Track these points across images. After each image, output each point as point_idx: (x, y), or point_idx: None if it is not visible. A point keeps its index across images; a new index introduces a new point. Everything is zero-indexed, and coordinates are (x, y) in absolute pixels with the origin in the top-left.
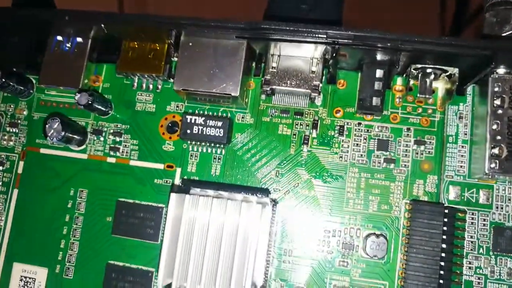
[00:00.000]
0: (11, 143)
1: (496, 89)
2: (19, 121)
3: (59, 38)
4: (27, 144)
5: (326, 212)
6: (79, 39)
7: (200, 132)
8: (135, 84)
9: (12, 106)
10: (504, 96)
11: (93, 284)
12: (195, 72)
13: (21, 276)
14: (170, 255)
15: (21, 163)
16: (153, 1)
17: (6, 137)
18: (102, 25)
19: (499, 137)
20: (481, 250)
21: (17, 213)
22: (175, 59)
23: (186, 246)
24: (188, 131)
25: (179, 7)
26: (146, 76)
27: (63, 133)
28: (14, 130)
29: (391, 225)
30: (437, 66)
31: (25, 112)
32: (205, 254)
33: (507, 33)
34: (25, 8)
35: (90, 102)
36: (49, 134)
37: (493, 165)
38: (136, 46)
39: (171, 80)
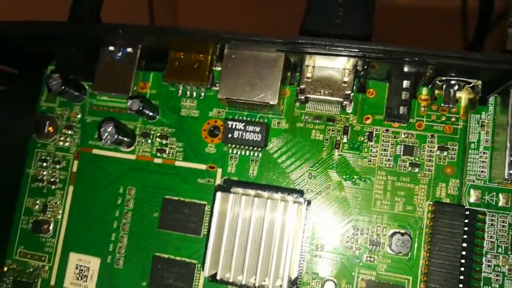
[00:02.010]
0: (67, 144)
1: None
2: (73, 124)
3: (111, 48)
4: (81, 145)
5: (355, 211)
6: (129, 49)
7: (240, 137)
8: (180, 91)
9: (67, 110)
10: None
11: (140, 273)
12: (237, 82)
13: (77, 265)
14: (215, 248)
15: (76, 162)
16: (184, 13)
17: (62, 138)
18: (152, 38)
19: None
20: (499, 250)
21: (73, 208)
22: (218, 68)
23: (230, 240)
24: (229, 136)
25: (209, 20)
26: (190, 84)
27: (116, 136)
28: (69, 132)
29: (415, 225)
30: (461, 79)
31: (79, 116)
32: (247, 248)
33: None
34: (80, 23)
35: (140, 108)
36: (104, 137)
37: None
38: (182, 56)
39: (214, 88)
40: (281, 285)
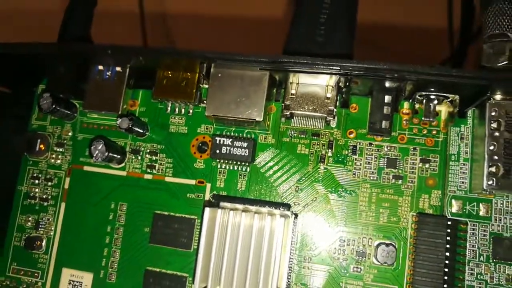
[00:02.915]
0: (59, 161)
1: (493, 113)
2: (65, 141)
3: (100, 67)
4: (72, 162)
5: (341, 223)
6: (118, 69)
7: (228, 152)
8: (169, 108)
9: (58, 128)
10: (500, 120)
11: (133, 287)
12: (224, 99)
13: (70, 280)
14: (205, 262)
15: (67, 179)
16: (177, 35)
17: (54, 156)
18: (140, 58)
19: (496, 157)
20: (481, 258)
21: (65, 224)
22: (205, 86)
23: (219, 254)
24: (217, 151)
25: (201, 40)
26: (178, 101)
27: (106, 153)
28: (60, 149)
29: (399, 235)
30: (440, 94)
31: (70, 133)
32: (236, 261)
33: (502, 63)
34: (70, 43)
35: (130, 126)
36: (94, 155)
37: (490, 182)
38: (170, 75)
39: (202, 104)
40: None
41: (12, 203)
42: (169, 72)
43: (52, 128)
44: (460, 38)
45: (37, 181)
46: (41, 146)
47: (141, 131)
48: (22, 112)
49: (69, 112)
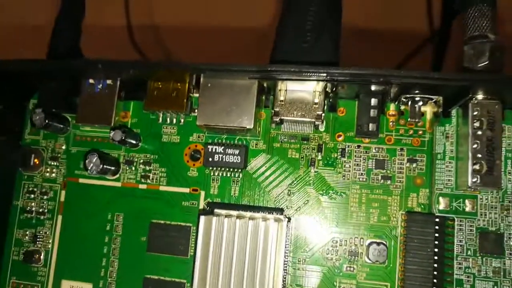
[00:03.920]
0: (53, 174)
1: (475, 113)
2: (59, 155)
3: (91, 81)
4: (67, 175)
5: (333, 224)
6: (108, 81)
7: (220, 160)
8: (160, 119)
9: (52, 141)
10: (482, 119)
11: None
12: (214, 109)
13: None
14: (201, 268)
15: (63, 192)
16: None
17: (48, 170)
18: (131, 71)
19: (479, 155)
20: (469, 252)
21: (63, 236)
22: (195, 95)
23: (216, 260)
24: (210, 159)
25: (190, 50)
26: (170, 111)
27: (101, 166)
28: (55, 163)
29: (389, 234)
30: (424, 95)
31: (63, 147)
32: (232, 266)
33: (482, 64)
34: (59, 60)
35: (123, 138)
36: (89, 168)
37: (475, 180)
38: (160, 86)
39: (193, 114)
40: None
41: (8, 218)
42: (160, 83)
43: (45, 142)
44: (443, 13)
45: (32, 195)
46: (35, 160)
47: (134, 142)
48: (15, 127)
49: (62, 126)
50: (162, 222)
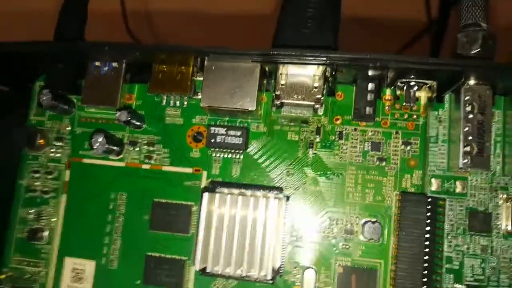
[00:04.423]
0: (58, 155)
1: (467, 97)
2: (63, 136)
3: (97, 64)
4: (71, 155)
5: (330, 204)
6: (114, 64)
7: (222, 141)
8: (164, 101)
9: (57, 122)
10: (474, 103)
11: (134, 272)
12: (218, 91)
13: (73, 268)
14: (204, 244)
15: (67, 172)
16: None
17: (53, 150)
18: (137, 54)
19: (470, 138)
20: (458, 231)
21: (66, 215)
22: (199, 78)
23: (218, 236)
24: (213, 140)
25: (188, 36)
26: (174, 94)
27: (106, 146)
28: (60, 143)
29: (384, 213)
30: (419, 80)
31: (68, 128)
32: (233, 242)
33: (475, 51)
34: (67, 42)
35: (128, 119)
36: (95, 147)
37: (466, 161)
38: (165, 69)
39: (196, 97)
40: (265, 275)
41: (13, 197)
42: (164, 67)
43: (50, 123)
44: (441, 3)
45: (37, 175)
46: (41, 141)
47: (138, 123)
48: (20, 108)
49: (67, 108)
50: (164, 201)
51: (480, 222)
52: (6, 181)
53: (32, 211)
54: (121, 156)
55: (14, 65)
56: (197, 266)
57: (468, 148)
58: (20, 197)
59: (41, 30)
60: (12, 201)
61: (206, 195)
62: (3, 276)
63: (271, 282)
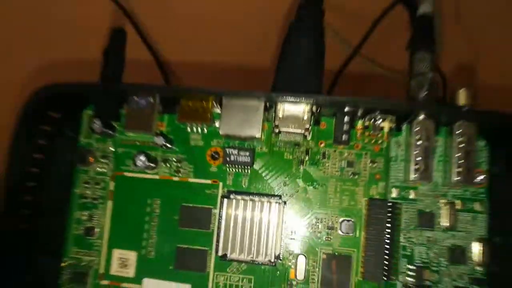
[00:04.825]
0: (104, 169)
1: (417, 129)
2: (108, 154)
3: (136, 98)
4: (114, 170)
5: (315, 207)
6: (150, 99)
7: (235, 159)
8: (189, 128)
9: (102, 144)
10: (421, 133)
11: (167, 260)
12: (232, 122)
13: (119, 258)
14: (225, 236)
15: (112, 183)
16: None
17: (100, 165)
18: (167, 93)
19: (418, 158)
20: (411, 227)
21: (113, 216)
22: (216, 110)
23: (234, 231)
24: (228, 159)
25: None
26: (197, 123)
27: (147, 163)
28: (105, 160)
29: (357, 214)
30: (383, 115)
31: (111, 148)
32: (245, 236)
33: (424, 94)
34: (110, 83)
35: (163, 143)
36: (138, 164)
37: (415, 175)
38: (190, 104)
39: (214, 125)
40: (269, 260)
41: (69, 202)
42: (189, 102)
43: (97, 144)
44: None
45: (88, 185)
46: (90, 158)
47: (169, 145)
48: (69, 132)
49: (111, 132)
50: (190, 205)
51: (427, 220)
52: (63, 190)
53: (86, 213)
54: (155, 170)
55: (66, 97)
56: (219, 253)
57: (417, 166)
58: (75, 202)
59: (90, 72)
60: (69, 206)
61: (225, 201)
62: (64, 264)
63: (273, 264)
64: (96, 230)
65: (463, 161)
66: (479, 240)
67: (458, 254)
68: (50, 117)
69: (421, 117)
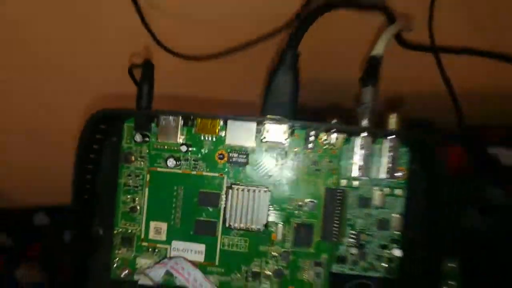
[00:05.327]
0: (142, 165)
1: (360, 142)
2: (144, 155)
3: (164, 117)
4: (149, 166)
5: (291, 192)
6: (175, 118)
7: (236, 160)
8: (202, 137)
9: (139, 147)
10: (364, 144)
11: (189, 228)
12: (234, 135)
13: (154, 227)
14: (230, 211)
15: (148, 175)
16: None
17: (138, 163)
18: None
19: (361, 162)
20: (354, 206)
21: (149, 198)
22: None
23: (236, 208)
24: (231, 159)
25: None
26: (208, 134)
27: (175, 162)
28: (142, 160)
29: (318, 198)
30: (338, 133)
31: (147, 151)
32: (243, 212)
33: (365, 120)
34: (143, 108)
35: (185, 149)
36: (169, 165)
37: (358, 173)
38: (203, 120)
39: (221, 135)
40: (259, 227)
41: (116, 190)
42: (203, 120)
43: (136, 148)
44: None
45: (130, 177)
46: (132, 158)
47: (189, 149)
48: (113, 137)
49: (147, 140)
50: (205, 191)
51: (365, 202)
52: (112, 181)
53: (129, 197)
54: (179, 167)
55: (112, 117)
56: (227, 224)
57: (359, 165)
58: (121, 189)
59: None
60: (117, 192)
61: (230, 191)
62: (116, 232)
63: (261, 230)
64: (138, 208)
65: (391, 165)
66: (399, 214)
67: (384, 224)
68: (101, 129)
69: (363, 134)
